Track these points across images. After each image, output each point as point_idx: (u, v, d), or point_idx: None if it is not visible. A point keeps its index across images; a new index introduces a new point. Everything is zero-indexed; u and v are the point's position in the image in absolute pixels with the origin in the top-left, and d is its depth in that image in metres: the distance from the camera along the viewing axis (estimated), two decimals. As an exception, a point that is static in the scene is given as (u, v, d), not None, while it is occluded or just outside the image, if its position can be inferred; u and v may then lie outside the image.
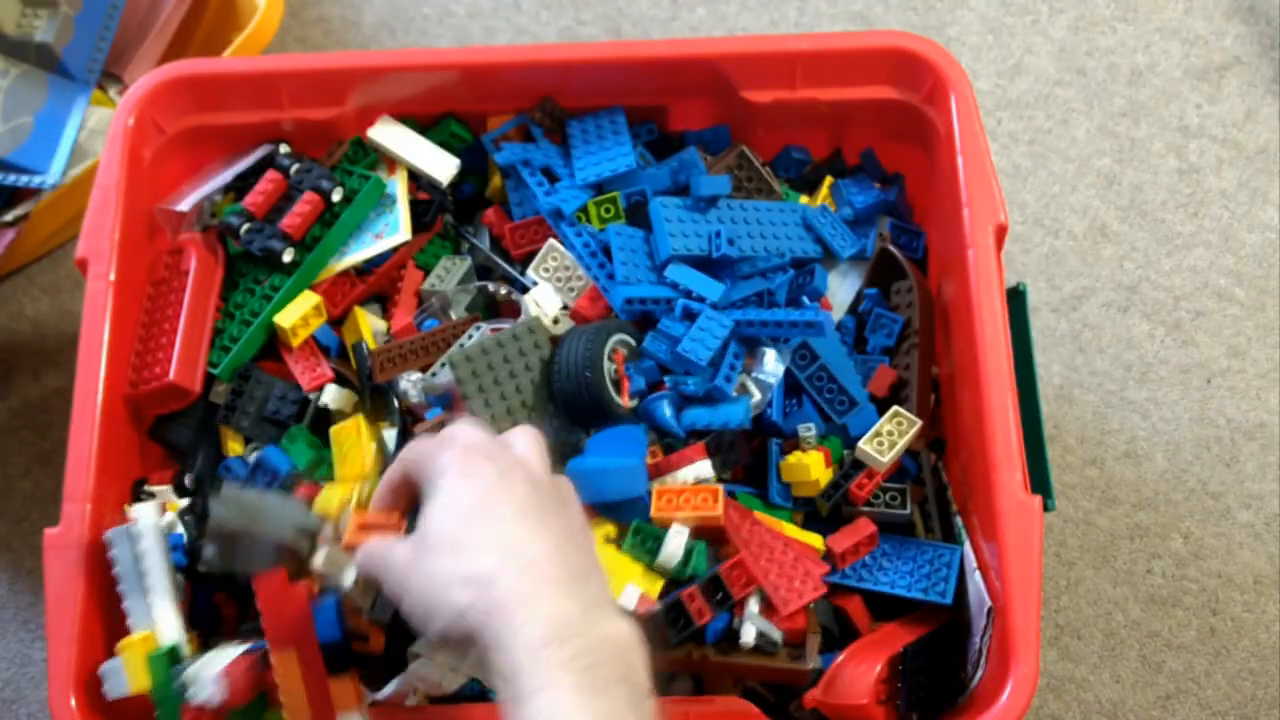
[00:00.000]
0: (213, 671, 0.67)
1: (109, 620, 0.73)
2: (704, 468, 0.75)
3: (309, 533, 0.69)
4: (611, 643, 0.57)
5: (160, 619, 0.71)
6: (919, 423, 0.77)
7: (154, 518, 0.72)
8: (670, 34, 1.10)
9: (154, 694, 0.69)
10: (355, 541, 0.66)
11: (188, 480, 0.79)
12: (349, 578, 0.68)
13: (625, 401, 0.76)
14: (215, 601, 0.77)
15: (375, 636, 0.73)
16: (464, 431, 0.65)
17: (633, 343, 0.78)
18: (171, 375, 0.77)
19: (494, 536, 0.60)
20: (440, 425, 0.73)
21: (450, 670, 0.72)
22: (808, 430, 0.77)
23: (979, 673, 0.71)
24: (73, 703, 0.69)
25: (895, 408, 0.78)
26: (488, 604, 0.57)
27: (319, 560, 0.68)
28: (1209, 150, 1.05)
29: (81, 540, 0.72)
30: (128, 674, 0.69)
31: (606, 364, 0.76)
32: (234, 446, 0.80)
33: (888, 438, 0.76)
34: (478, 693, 0.73)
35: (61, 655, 0.70)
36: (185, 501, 0.76)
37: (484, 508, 0.61)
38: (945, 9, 1.11)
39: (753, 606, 0.72)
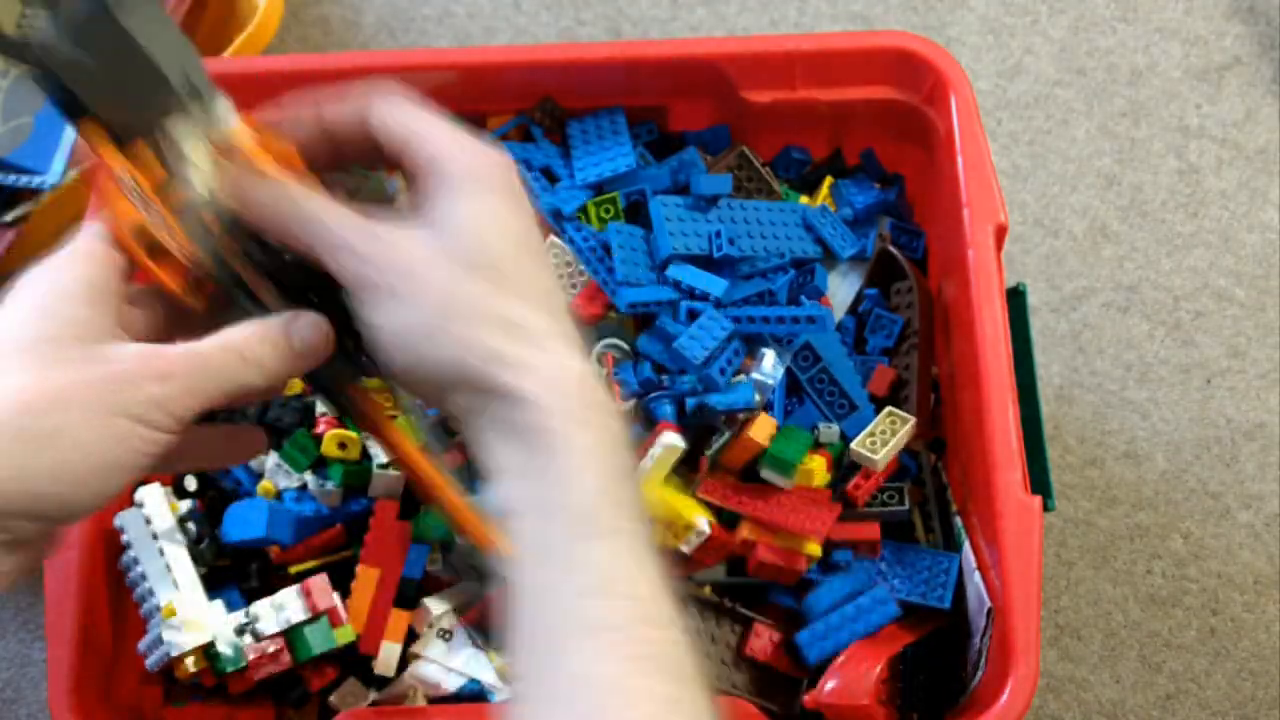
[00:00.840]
0: (280, 599, 0.71)
1: (109, 620, 0.73)
2: (672, 438, 0.73)
3: (196, 93, 0.50)
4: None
5: (186, 588, 0.71)
6: (911, 420, 0.77)
7: (160, 499, 0.73)
8: (670, 34, 1.10)
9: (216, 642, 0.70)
10: (260, 167, 0.50)
11: (188, 482, 0.79)
12: (203, 190, 0.50)
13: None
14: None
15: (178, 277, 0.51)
16: (485, 144, 0.52)
17: (624, 346, 0.78)
18: (171, 375, 0.77)
19: (542, 292, 0.49)
20: None
21: (449, 670, 0.72)
22: (829, 428, 0.77)
23: (979, 673, 0.71)
24: (72, 703, 0.69)
25: (889, 408, 0.77)
26: (547, 380, 0.47)
27: (188, 145, 0.50)
28: (1209, 150, 1.05)
29: (81, 540, 0.72)
30: (187, 631, 0.69)
31: (597, 368, 0.76)
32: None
33: (880, 436, 0.76)
34: (477, 692, 0.73)
35: (61, 655, 0.70)
36: (186, 504, 0.75)
37: (531, 250, 0.50)
38: (945, 9, 1.11)
39: None
